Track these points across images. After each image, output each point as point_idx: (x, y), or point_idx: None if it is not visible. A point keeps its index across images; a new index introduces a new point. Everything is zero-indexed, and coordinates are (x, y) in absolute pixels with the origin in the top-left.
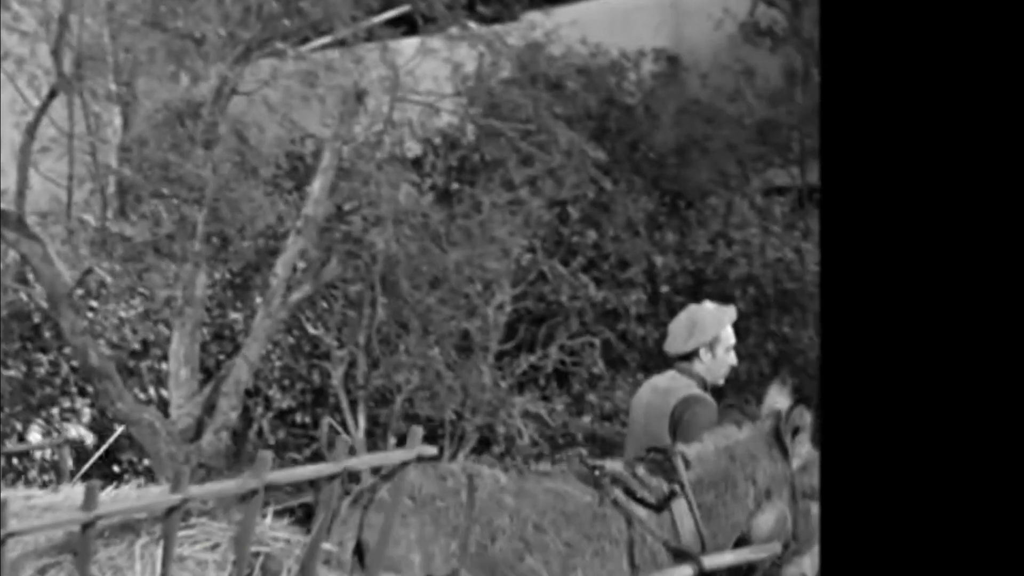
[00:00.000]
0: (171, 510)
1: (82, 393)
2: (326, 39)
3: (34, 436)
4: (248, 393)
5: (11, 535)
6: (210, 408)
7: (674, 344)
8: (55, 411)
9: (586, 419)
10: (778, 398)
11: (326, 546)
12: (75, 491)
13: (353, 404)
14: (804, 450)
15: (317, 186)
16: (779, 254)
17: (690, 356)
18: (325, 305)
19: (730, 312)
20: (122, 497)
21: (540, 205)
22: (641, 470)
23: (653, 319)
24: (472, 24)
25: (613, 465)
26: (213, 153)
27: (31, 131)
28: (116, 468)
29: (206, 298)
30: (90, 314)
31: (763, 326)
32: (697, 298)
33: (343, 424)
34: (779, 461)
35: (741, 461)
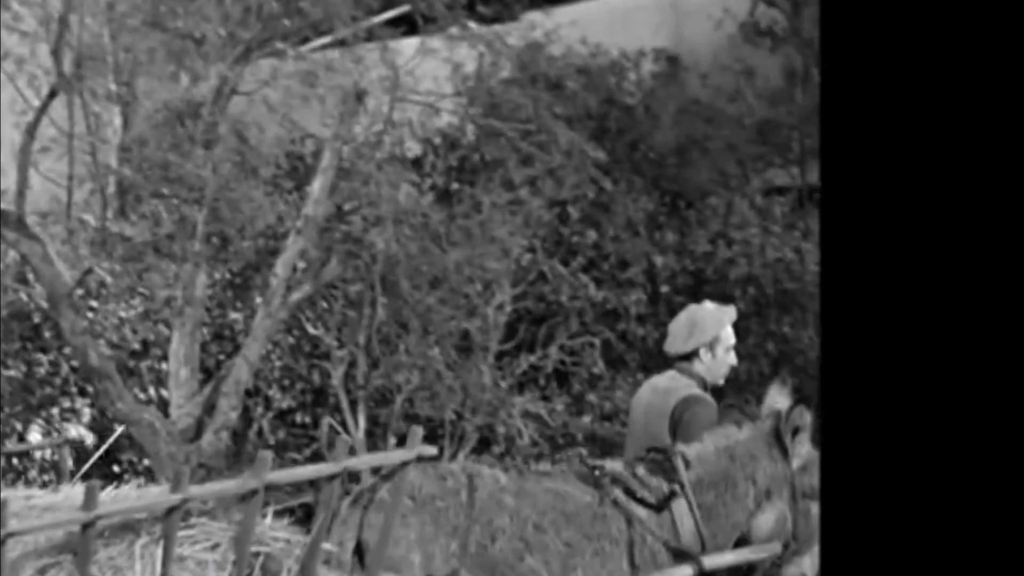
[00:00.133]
0: (171, 510)
1: (82, 393)
2: (326, 39)
3: (34, 436)
4: (248, 393)
5: (11, 535)
6: (210, 408)
7: (674, 344)
8: (55, 411)
9: (586, 419)
10: (778, 398)
11: (326, 546)
12: (75, 491)
13: (353, 404)
14: (804, 450)
15: (317, 186)
16: (779, 254)
17: (690, 356)
18: (325, 305)
19: (730, 312)
20: (122, 497)
21: (540, 205)
22: (641, 470)
23: (653, 319)
24: (472, 24)
25: (613, 465)
26: (213, 153)
27: (31, 131)
28: (116, 468)
29: (206, 298)
30: (90, 314)
31: (763, 326)
32: (697, 298)
33: (343, 424)
34: (779, 461)
35: (741, 461)
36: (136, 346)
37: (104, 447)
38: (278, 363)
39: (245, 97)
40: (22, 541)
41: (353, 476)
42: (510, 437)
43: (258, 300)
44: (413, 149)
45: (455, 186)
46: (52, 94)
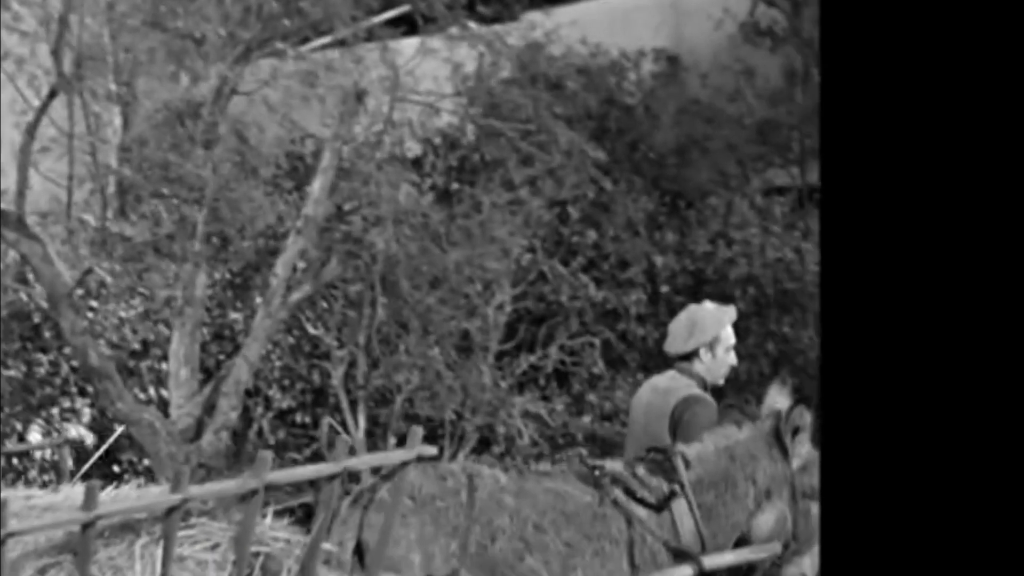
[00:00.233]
0: (171, 510)
1: (82, 393)
2: (326, 39)
3: (34, 436)
4: (248, 393)
5: (11, 535)
6: (210, 408)
7: (674, 344)
8: (55, 411)
9: (586, 419)
10: (778, 398)
11: (326, 546)
12: (75, 491)
13: (353, 404)
14: (804, 450)
15: (317, 186)
16: (779, 254)
17: (690, 356)
18: (325, 305)
19: (730, 312)
20: (122, 497)
21: (540, 205)
22: (641, 470)
23: (653, 319)
24: (472, 24)
25: (613, 465)
26: (213, 153)
27: (31, 131)
28: (116, 468)
29: (206, 298)
30: (90, 314)
31: (763, 326)
32: (697, 298)
33: (343, 424)
34: (779, 461)
35: (741, 461)
36: (136, 346)
37: (104, 447)
38: (278, 363)
39: (245, 97)
40: (22, 541)
41: (353, 476)
42: (510, 437)
43: (258, 300)
44: (413, 149)
45: (455, 186)
46: (52, 94)
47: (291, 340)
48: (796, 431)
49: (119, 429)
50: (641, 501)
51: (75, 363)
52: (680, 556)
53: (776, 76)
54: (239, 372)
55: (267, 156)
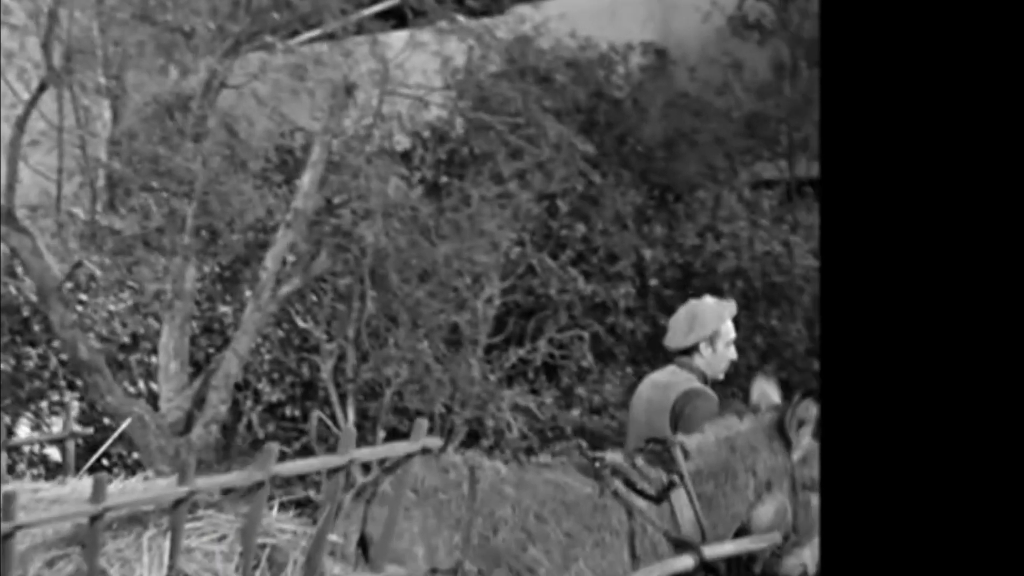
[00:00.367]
0: (178, 502)
1: (71, 387)
2: (315, 32)
3: (22, 430)
4: (237, 386)
5: (20, 527)
6: (200, 401)
7: (674, 339)
8: (44, 405)
9: (575, 412)
10: (766, 389)
11: (332, 538)
12: (82, 484)
13: (342, 397)
14: (805, 442)
15: (307, 180)
16: (767, 247)
17: (690, 351)
18: (315, 298)
19: (730, 307)
20: (129, 489)
21: (529, 198)
22: (640, 461)
23: (642, 312)
24: (461, 17)
25: (613, 456)
26: (202, 146)
27: (20, 124)
28: (105, 461)
29: (195, 291)
30: (80, 307)
31: (751, 319)
32: (685, 291)
33: (332, 417)
34: (780, 453)
35: (741, 452)
36: (126, 339)
37: (111, 439)
38: (267, 356)
39: (234, 90)
40: (30, 533)
41: (366, 467)
42: (499, 430)
43: (247, 293)
44: (402, 142)
45: (444, 179)
46: (42, 87)
47: (280, 333)
48: (801, 424)
49: (128, 420)
50: (641, 493)
51: (64, 357)
52: (681, 546)
53: (764, 69)
54: (229, 365)
55: (256, 149)
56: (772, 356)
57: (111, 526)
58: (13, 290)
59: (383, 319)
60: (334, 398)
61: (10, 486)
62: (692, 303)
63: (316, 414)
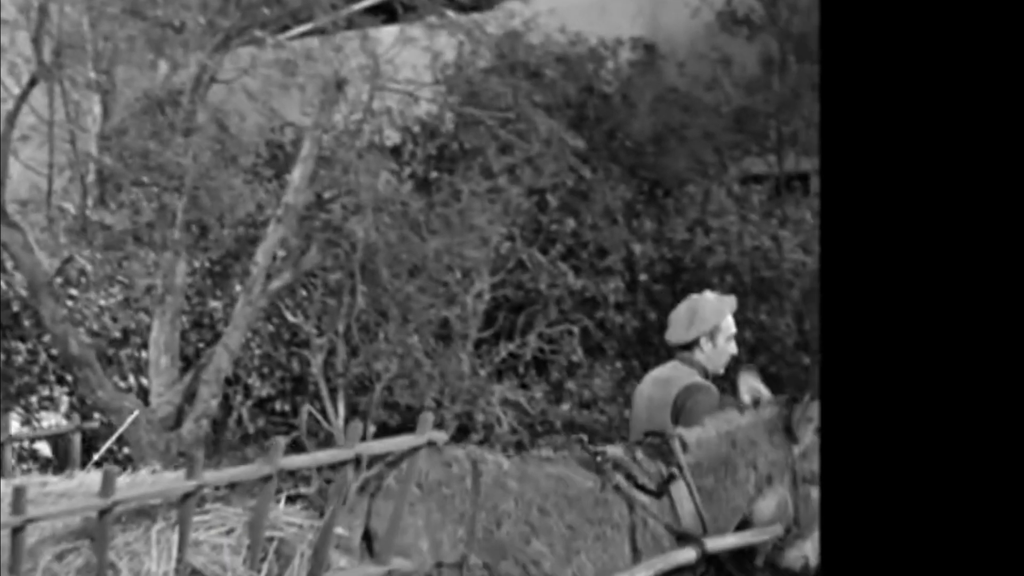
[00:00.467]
0: (187, 496)
1: (60, 381)
2: (305, 27)
3: (12, 425)
4: (228, 381)
5: (30, 521)
6: (190, 396)
7: (675, 333)
8: (33, 399)
9: (565, 407)
10: (753, 383)
11: (339, 531)
12: (89, 478)
13: (333, 392)
14: (807, 438)
15: (297, 174)
16: (756, 242)
17: (691, 345)
18: (305, 293)
19: (730, 301)
20: (138, 483)
21: (519, 193)
22: (640, 454)
23: (631, 307)
24: (451, 13)
25: (614, 450)
26: (193, 141)
27: (11, 119)
28: (95, 456)
29: (186, 286)
30: (70, 302)
31: (740, 314)
32: (675, 286)
33: (323, 412)
34: (780, 447)
35: (742, 447)
36: (116, 334)
37: (117, 433)
38: (258, 351)
39: (225, 85)
40: (39, 527)
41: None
42: (489, 425)
43: (238, 288)
44: (392, 138)
45: (434, 174)
46: (32, 82)
47: (271, 328)
48: (808, 422)
49: (135, 413)
50: (642, 488)
51: (54, 351)
52: (683, 539)
53: (753, 64)
54: (219, 360)
55: (247, 144)
56: (761, 350)
57: (120, 519)
58: (3, 285)
59: (373, 314)
60: (324, 393)
61: (18, 480)
62: (693, 298)
63: (306, 408)
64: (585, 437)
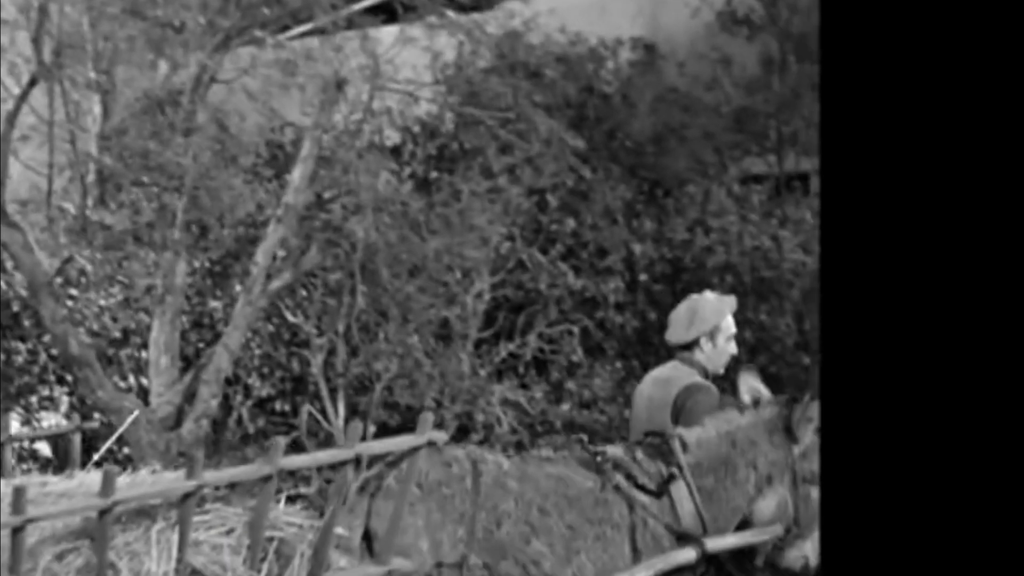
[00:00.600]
0: (187, 496)
1: (60, 381)
2: (305, 27)
3: (12, 425)
4: (228, 381)
5: (30, 521)
6: (190, 396)
7: (675, 333)
8: (33, 400)
9: (565, 407)
10: (753, 383)
11: (339, 531)
12: (89, 478)
13: (333, 392)
14: (808, 439)
15: (297, 174)
16: (756, 242)
17: (691, 346)
18: (305, 293)
19: (730, 301)
20: (138, 483)
21: (519, 193)
22: (640, 454)
23: (631, 307)
24: (451, 13)
25: (614, 450)
26: (193, 141)
27: (11, 119)
28: (94, 456)
29: (186, 286)
30: (70, 302)
31: (740, 314)
32: (675, 286)
33: (323, 412)
34: (780, 447)
35: (742, 447)
36: (116, 334)
37: (117, 433)
38: (258, 351)
39: (225, 85)
40: (39, 527)
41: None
42: (489, 425)
43: (238, 288)
44: (392, 138)
45: (434, 174)
46: (32, 82)
47: (271, 328)
48: (808, 422)
49: (135, 413)
50: (642, 488)
51: (54, 351)
52: (683, 539)
53: (753, 64)
54: (219, 360)
55: (247, 144)
56: (761, 350)
57: (120, 519)
58: (3, 285)
59: (373, 314)
60: (324, 392)
61: (18, 480)
62: (693, 298)
63: (306, 408)
64: (585, 437)
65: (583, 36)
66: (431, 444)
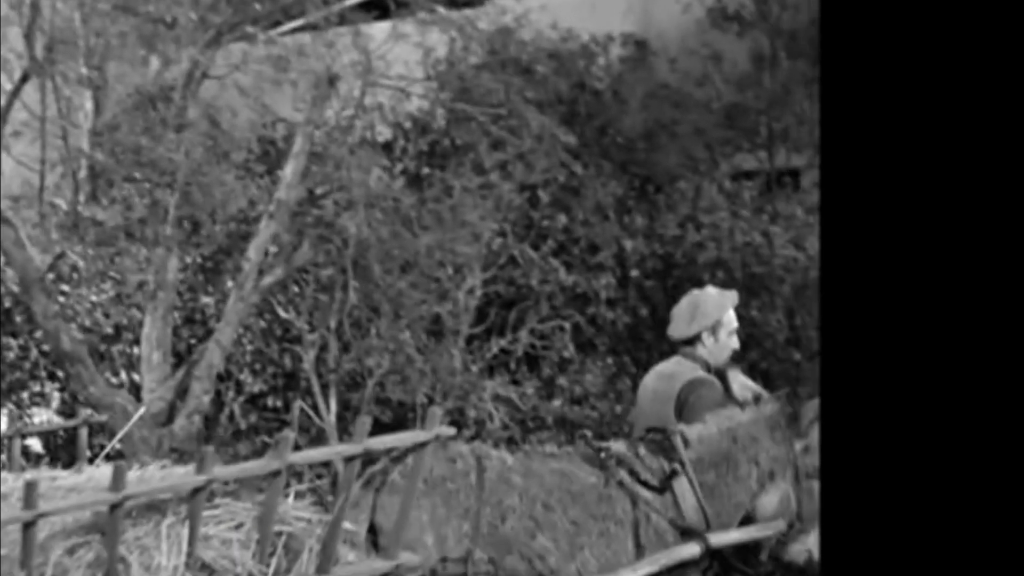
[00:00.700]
0: (196, 490)
1: (51, 377)
2: (297, 23)
3: (2, 421)
4: (219, 377)
5: (42, 515)
6: (182, 392)
7: (677, 329)
8: (24, 395)
9: (556, 403)
10: (742, 379)
11: (346, 525)
12: (98, 472)
13: (324, 388)
14: (813, 435)
15: (289, 170)
16: (747, 238)
17: (693, 340)
18: (297, 289)
19: (732, 296)
20: (148, 478)
21: (511, 189)
22: (643, 450)
23: (623, 303)
24: (442, 9)
25: (618, 446)
26: (185, 137)
27: (3, 115)
28: (87, 452)
29: (178, 282)
30: (62, 298)
31: None
32: (666, 282)
33: (314, 408)
34: (782, 443)
35: (743, 443)
36: (108, 330)
37: (124, 430)
38: (249, 347)
39: (217, 81)
40: (50, 521)
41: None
42: (480, 420)
43: (230, 284)
44: (384, 133)
45: (426, 170)
46: (24, 78)
47: (262, 324)
48: (813, 420)
49: (141, 410)
50: (645, 483)
51: (45, 347)
52: (687, 534)
53: (744, 61)
54: (212, 356)
55: (239, 140)
56: (752, 346)
57: (130, 514)
58: None
59: (365, 310)
60: (316, 388)
61: (28, 475)
62: (694, 293)
63: (298, 404)
64: (589, 433)
65: (574, 32)
66: (439, 439)
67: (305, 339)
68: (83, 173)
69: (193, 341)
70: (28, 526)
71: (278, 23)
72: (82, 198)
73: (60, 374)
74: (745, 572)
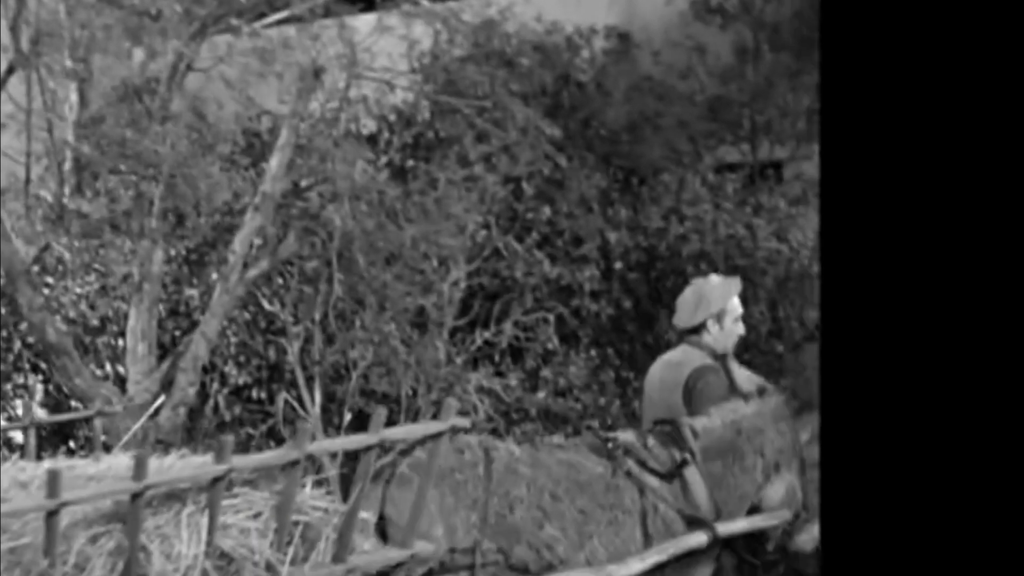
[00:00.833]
0: (216, 480)
1: (35, 369)
2: (282, 15)
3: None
4: (204, 369)
5: (65, 504)
6: (167, 384)
7: (682, 318)
8: (8, 387)
9: (540, 394)
10: (743, 371)
11: (363, 515)
12: (117, 461)
13: (309, 380)
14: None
15: (274, 163)
16: (731, 230)
17: (698, 329)
18: (281, 281)
19: (735, 283)
20: (167, 468)
21: (495, 181)
22: (651, 441)
23: (606, 295)
24: (427, 1)
25: (625, 437)
26: (170, 129)
27: None
28: (72, 444)
29: (163, 274)
30: (47, 290)
31: None
32: (650, 274)
33: (299, 400)
34: (787, 434)
35: (748, 434)
36: (93, 322)
37: (138, 425)
38: (234, 339)
39: (202, 74)
40: (71, 510)
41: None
42: (465, 412)
43: (215, 277)
44: (369, 126)
45: (411, 163)
46: (10, 70)
47: (247, 316)
48: None
49: (159, 400)
50: (653, 471)
51: (29, 339)
52: (694, 523)
53: (727, 53)
54: (197, 348)
55: (224, 133)
56: None
57: (151, 503)
58: None
59: (350, 302)
60: (301, 381)
61: (48, 463)
62: (698, 282)
63: (283, 396)
64: (596, 424)
65: (559, 25)
66: (455, 430)
67: (290, 331)
68: (68, 165)
69: (178, 333)
70: (51, 515)
71: (263, 15)
72: (67, 190)
73: (44, 366)
74: (752, 562)
